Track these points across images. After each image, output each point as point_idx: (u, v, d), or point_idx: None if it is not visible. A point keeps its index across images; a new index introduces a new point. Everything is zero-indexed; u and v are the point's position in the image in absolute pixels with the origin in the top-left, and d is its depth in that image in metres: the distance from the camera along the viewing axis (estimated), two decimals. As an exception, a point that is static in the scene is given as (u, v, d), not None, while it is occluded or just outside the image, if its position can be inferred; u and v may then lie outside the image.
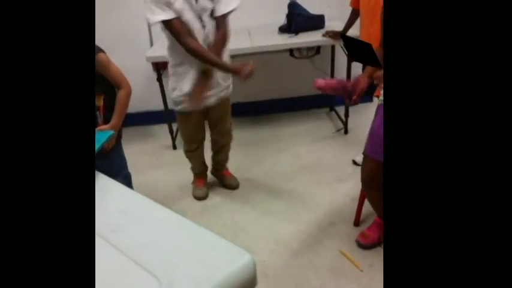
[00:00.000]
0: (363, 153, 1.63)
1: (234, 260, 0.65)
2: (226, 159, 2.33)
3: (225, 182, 2.36)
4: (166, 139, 2.95)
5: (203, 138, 2.17)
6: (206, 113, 2.02)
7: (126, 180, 1.91)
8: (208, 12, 1.73)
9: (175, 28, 1.68)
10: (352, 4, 2.40)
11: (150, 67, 2.92)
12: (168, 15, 1.64)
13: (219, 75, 1.87)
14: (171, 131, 2.88)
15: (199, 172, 2.32)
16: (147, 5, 1.65)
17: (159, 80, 2.69)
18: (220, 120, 2.10)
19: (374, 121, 1.64)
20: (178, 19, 1.67)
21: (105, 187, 0.90)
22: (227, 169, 2.40)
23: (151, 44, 3.04)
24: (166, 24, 1.68)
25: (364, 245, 1.80)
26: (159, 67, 2.72)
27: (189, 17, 1.69)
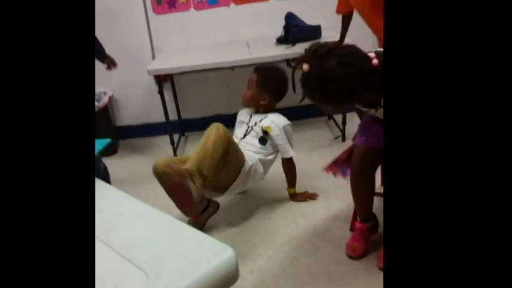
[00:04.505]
0: (354, 145, 1.73)
1: (217, 255, 0.69)
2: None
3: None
4: (168, 150, 3.00)
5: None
6: None
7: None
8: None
9: None
10: (339, 11, 2.43)
11: (152, 80, 2.98)
12: None
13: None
14: (172, 142, 2.93)
15: None
16: None
17: (161, 92, 2.75)
18: None
19: (363, 119, 1.76)
20: None
21: (101, 191, 0.95)
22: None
23: (153, 57, 3.11)
24: None
25: (355, 257, 1.80)
26: (161, 80, 2.78)
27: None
